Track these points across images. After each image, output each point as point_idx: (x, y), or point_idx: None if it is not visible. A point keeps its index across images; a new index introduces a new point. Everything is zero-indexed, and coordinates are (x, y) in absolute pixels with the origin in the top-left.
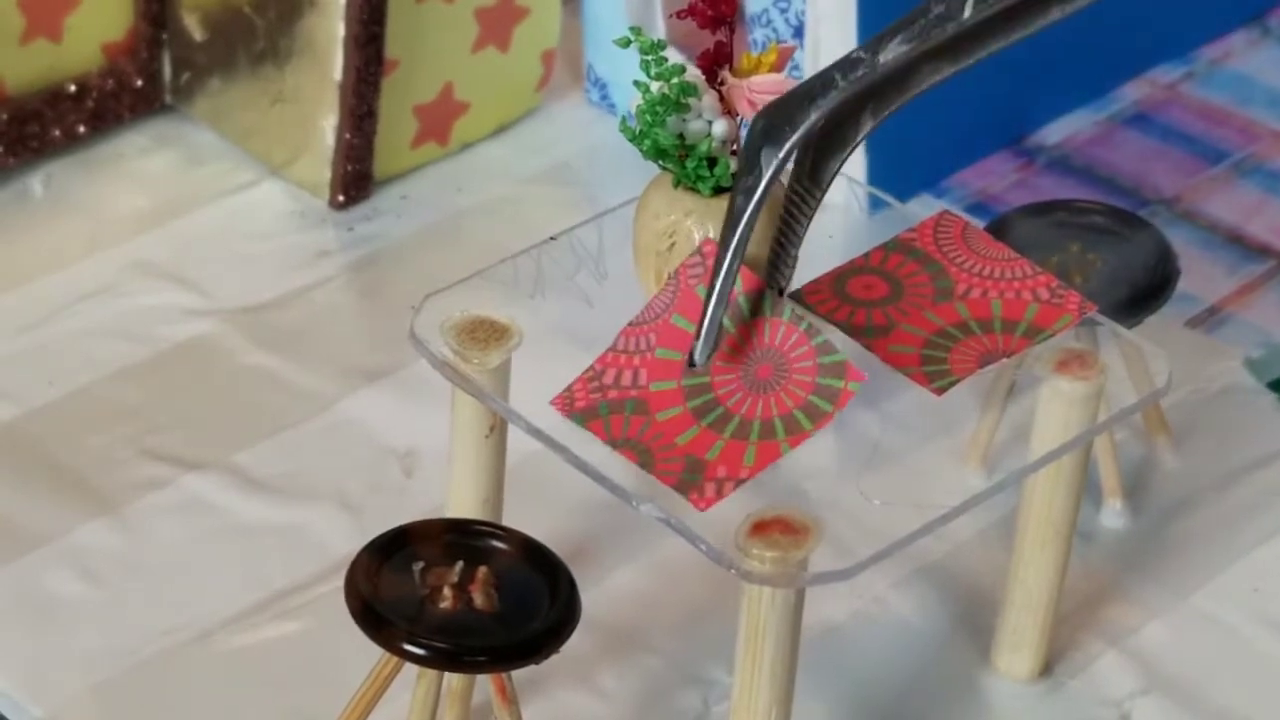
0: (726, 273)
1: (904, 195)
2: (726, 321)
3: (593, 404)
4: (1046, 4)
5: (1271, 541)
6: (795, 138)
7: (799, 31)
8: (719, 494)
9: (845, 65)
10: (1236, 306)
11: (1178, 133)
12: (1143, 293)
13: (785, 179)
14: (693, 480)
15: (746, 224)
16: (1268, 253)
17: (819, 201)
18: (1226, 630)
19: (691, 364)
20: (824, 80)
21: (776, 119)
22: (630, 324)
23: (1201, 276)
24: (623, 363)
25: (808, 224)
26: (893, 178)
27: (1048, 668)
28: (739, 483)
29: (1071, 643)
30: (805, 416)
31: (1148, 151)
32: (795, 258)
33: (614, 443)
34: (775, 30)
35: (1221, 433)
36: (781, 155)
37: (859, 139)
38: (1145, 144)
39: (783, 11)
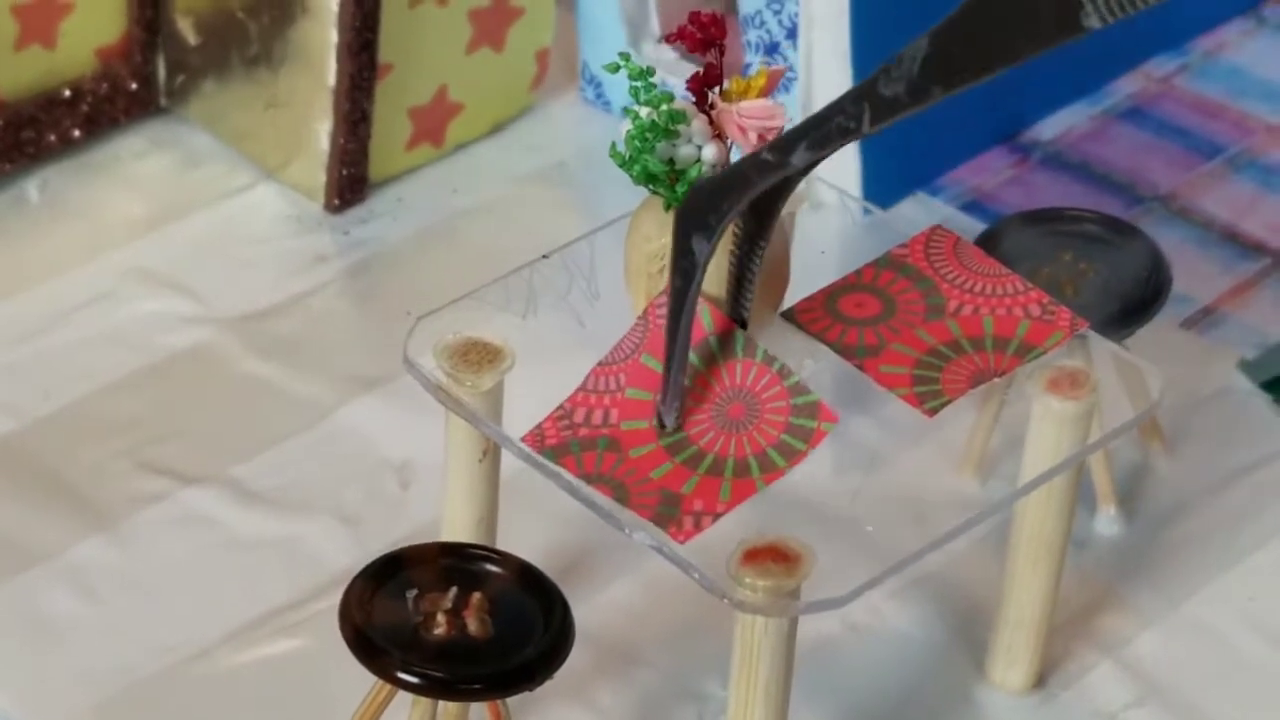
0: (681, 343)
1: (898, 193)
2: (696, 359)
3: (564, 441)
4: (943, 87)
5: (1267, 547)
6: (721, 226)
7: (792, 33)
8: (697, 527)
9: (757, 165)
10: (1231, 306)
11: (1172, 127)
12: (1135, 303)
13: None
14: (670, 514)
15: (689, 305)
16: (1262, 250)
17: (768, 239)
18: (1221, 639)
19: (661, 426)
20: (740, 177)
21: (698, 209)
22: (600, 364)
23: (1196, 276)
24: (593, 402)
25: (760, 260)
26: (886, 176)
27: (1042, 680)
28: (716, 517)
29: (1066, 653)
30: (779, 454)
31: (1142, 146)
32: (753, 291)
33: (587, 478)
34: (769, 32)
35: (1215, 437)
36: (712, 244)
37: (792, 189)
38: (1140, 139)
39: (776, 13)
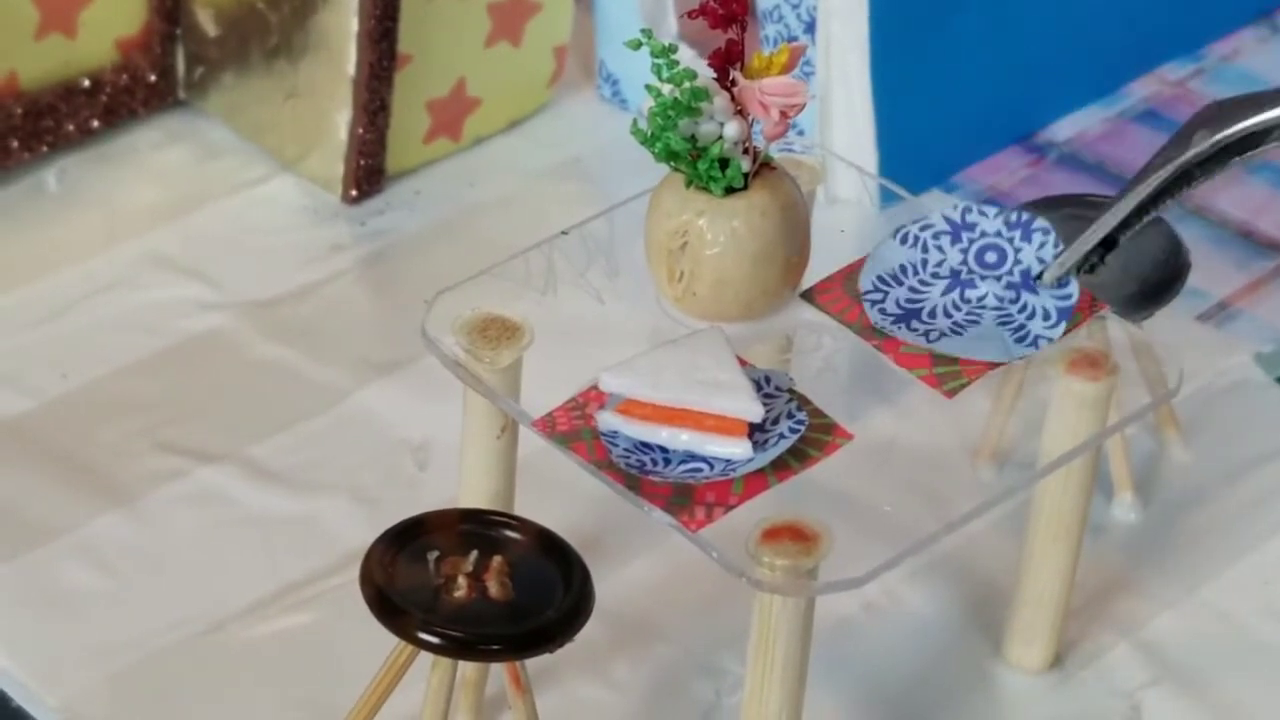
0: (1134, 197)
1: (915, 191)
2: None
3: (575, 428)
4: None
5: None
6: (1229, 131)
7: (810, 27)
8: (709, 518)
9: None
10: (1246, 302)
11: None
12: (1154, 286)
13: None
14: (682, 503)
15: (1156, 181)
16: (1277, 249)
17: (1177, 197)
18: (1236, 623)
19: (1037, 277)
20: None
21: (1229, 111)
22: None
23: (1212, 272)
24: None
25: (1162, 210)
26: (903, 173)
27: (1059, 659)
28: (729, 509)
29: (1082, 635)
30: (792, 457)
31: (1157, 148)
32: (1121, 238)
33: (598, 464)
34: (787, 26)
35: (1231, 427)
36: (1207, 145)
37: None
38: (1155, 140)
39: (794, 7)
